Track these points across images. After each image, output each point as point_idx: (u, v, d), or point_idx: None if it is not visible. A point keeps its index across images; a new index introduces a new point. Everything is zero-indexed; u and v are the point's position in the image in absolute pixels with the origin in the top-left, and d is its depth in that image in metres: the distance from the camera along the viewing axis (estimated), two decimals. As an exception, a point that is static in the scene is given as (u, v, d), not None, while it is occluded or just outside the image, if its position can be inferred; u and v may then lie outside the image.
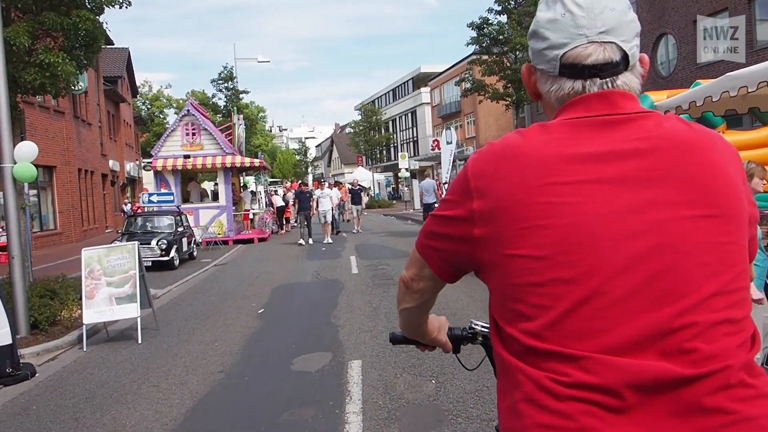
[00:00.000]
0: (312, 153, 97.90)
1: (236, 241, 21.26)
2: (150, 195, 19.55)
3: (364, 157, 59.54)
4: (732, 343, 1.05)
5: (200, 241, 19.60)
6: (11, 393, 5.90)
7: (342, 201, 26.86)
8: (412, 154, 54.19)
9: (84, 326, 7.55)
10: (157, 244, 14.58)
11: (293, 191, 23.23)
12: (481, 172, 1.15)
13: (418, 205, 29.42)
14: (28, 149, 8.06)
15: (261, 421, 4.84)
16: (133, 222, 16.77)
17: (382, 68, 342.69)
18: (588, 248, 1.05)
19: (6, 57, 7.95)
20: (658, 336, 1.03)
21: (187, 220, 17.95)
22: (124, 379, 6.12)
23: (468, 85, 29.09)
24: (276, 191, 30.40)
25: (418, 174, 44.68)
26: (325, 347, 6.87)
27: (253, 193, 27.28)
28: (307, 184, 27.57)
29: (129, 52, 37.21)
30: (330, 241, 19.84)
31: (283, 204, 26.12)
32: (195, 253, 17.46)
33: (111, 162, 32.47)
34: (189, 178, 23.04)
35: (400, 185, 55.52)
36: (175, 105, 51.70)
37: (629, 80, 1.17)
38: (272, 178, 55.01)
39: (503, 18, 26.12)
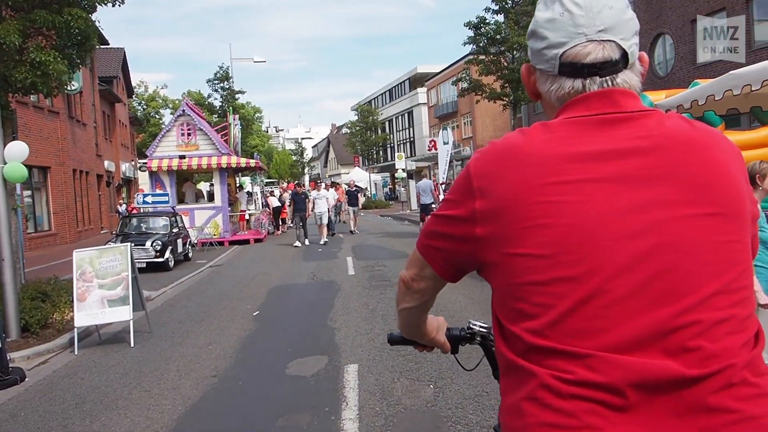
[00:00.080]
0: (308, 153, 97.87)
1: (232, 242, 21.11)
2: (145, 196, 19.37)
3: (360, 158, 59.46)
4: (735, 342, 1.04)
5: (196, 242, 19.46)
6: (-1, 398, 5.77)
7: (339, 202, 26.76)
8: (409, 155, 54.18)
9: (75, 329, 7.43)
10: (151, 245, 14.45)
11: (289, 192, 23.11)
12: (483, 171, 1.15)
13: (414, 205, 29.32)
14: (18, 149, 7.91)
15: (255, 427, 4.73)
16: (127, 223, 16.66)
17: (382, 68, 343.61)
18: (589, 247, 1.06)
19: (-4, 55, 7.83)
20: (660, 335, 1.02)
21: (182, 221, 17.81)
22: (116, 383, 5.99)
23: (465, 85, 28.98)
24: (272, 192, 30.24)
25: (414, 174, 44.62)
26: (321, 350, 6.76)
27: (249, 194, 27.12)
28: (302, 185, 27.42)
29: (125, 52, 37.03)
30: (326, 241, 19.73)
31: (279, 204, 26.01)
32: (190, 254, 17.32)
33: (106, 162, 32.28)
34: (184, 179, 22.89)
35: (396, 186, 55.37)
36: (171, 105, 51.44)
37: (629, 78, 1.17)
38: (269, 178, 54.91)
39: (500, 17, 26.02)
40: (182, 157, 21.11)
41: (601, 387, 1.01)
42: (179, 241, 16.16)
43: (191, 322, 8.72)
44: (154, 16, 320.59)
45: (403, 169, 40.74)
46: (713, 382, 1.01)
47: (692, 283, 1.04)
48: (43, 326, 8.00)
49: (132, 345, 7.39)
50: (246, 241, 21.41)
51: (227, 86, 41.12)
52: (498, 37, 25.94)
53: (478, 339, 1.73)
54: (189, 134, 21.66)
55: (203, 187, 25.92)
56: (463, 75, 29.75)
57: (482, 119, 43.95)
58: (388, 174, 61.67)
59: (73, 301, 7.63)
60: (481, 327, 1.72)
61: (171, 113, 41.94)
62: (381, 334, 7.16)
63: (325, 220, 20.47)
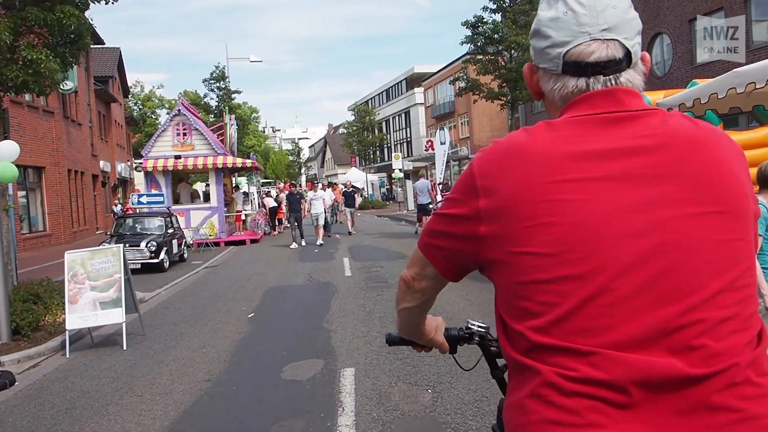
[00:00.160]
0: (305, 154, 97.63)
1: (228, 243, 20.97)
2: (140, 196, 19.25)
3: (357, 158, 59.33)
4: (739, 341, 1.05)
5: (191, 242, 19.31)
6: (-12, 403, 5.64)
7: (336, 202, 26.65)
8: (406, 155, 54.09)
9: (67, 332, 7.30)
10: (146, 246, 14.32)
11: (286, 192, 23.00)
12: (487, 170, 1.15)
13: (412, 206, 29.18)
14: (9, 149, 7.78)
15: (249, 433, 4.61)
16: (122, 223, 16.51)
17: (382, 68, 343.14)
18: (593, 246, 1.06)
19: (-14, 53, 7.70)
20: (664, 333, 1.03)
21: (177, 222, 17.68)
22: (107, 388, 5.87)
23: (462, 85, 28.89)
24: (269, 192, 30.09)
25: (411, 175, 44.55)
26: (317, 354, 6.64)
27: (246, 194, 27.00)
28: (296, 185, 27.30)
29: (120, 52, 36.90)
30: (322, 243, 19.62)
31: (276, 205, 25.88)
32: (185, 255, 17.17)
33: (102, 163, 32.10)
34: (179, 179, 22.75)
35: (393, 186, 55.35)
36: (167, 105, 51.29)
37: (632, 77, 1.17)
38: (265, 178, 54.72)
39: (498, 16, 25.94)
40: (178, 157, 20.97)
41: (604, 384, 1.01)
42: (174, 241, 16.03)
43: (185, 324, 8.59)
44: (154, 16, 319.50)
45: (400, 170, 40.70)
46: (717, 380, 1.01)
47: (696, 281, 1.05)
48: (34, 329, 7.86)
49: (125, 348, 7.26)
50: (242, 242, 21.27)
51: (223, 86, 40.97)
52: (496, 36, 25.85)
53: (477, 339, 1.73)
54: (185, 134, 21.51)
55: (199, 187, 25.80)
56: (461, 74, 29.67)
57: (479, 119, 43.89)
58: (385, 174, 61.60)
59: (64, 304, 7.50)
60: (479, 327, 1.72)
61: (167, 113, 41.78)
62: (378, 336, 7.04)
63: (321, 221, 20.34)
